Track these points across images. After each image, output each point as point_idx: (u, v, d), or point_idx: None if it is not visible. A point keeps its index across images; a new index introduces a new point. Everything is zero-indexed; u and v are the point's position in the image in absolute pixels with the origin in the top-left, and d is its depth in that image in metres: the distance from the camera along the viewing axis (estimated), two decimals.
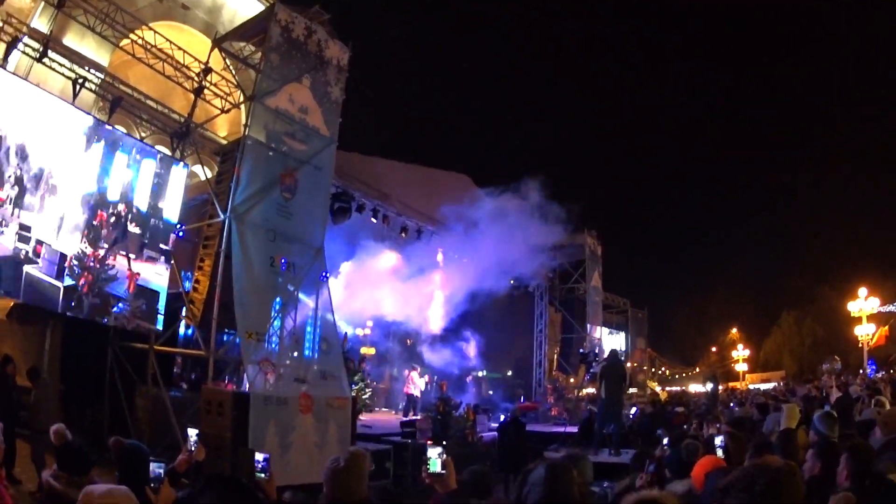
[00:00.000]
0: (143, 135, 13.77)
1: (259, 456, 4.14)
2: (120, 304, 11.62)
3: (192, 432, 4.66)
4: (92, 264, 11.20)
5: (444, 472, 3.20)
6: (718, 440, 5.26)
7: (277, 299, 11.77)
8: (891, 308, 37.18)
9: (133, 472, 3.92)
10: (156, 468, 3.83)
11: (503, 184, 19.01)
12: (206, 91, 12.90)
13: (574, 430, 17.34)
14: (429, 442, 3.45)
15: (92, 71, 13.15)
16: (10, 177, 10.19)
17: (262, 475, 4.05)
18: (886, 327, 37.06)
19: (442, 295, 19.67)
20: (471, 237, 18.27)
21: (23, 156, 10.35)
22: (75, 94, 11.75)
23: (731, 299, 59.79)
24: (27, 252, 10.26)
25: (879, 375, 25.12)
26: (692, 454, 5.36)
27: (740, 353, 53.65)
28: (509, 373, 27.67)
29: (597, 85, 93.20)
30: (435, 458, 3.22)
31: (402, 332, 22.95)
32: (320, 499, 3.65)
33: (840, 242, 57.54)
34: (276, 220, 11.90)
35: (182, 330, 13.49)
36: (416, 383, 20.86)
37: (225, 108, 13.37)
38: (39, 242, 10.42)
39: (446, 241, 18.89)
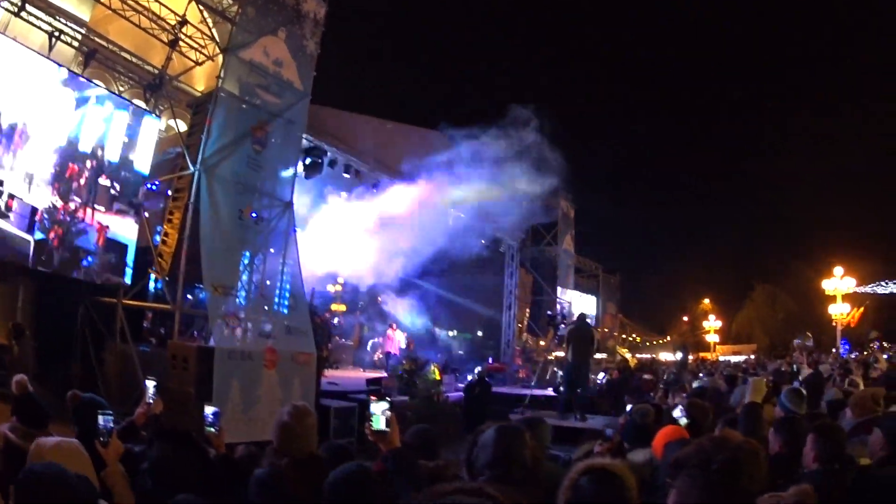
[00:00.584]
0: (120, 89, 13.61)
1: (209, 410, 4.08)
2: (89, 258, 11.45)
3: (150, 384, 4.59)
4: (62, 217, 11.01)
5: (387, 429, 3.09)
6: (677, 410, 5.23)
7: (246, 253, 11.69)
8: (867, 289, 37.49)
9: (90, 426, 3.83)
10: (105, 421, 3.70)
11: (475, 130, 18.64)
12: (181, 43, 12.66)
13: (539, 392, 17.40)
14: (373, 398, 3.28)
15: (71, 25, 12.86)
16: None
17: (212, 429, 4.01)
18: (862, 308, 37.39)
19: (412, 251, 19.52)
20: (443, 189, 18.17)
21: None
22: (51, 47, 11.51)
23: (705, 270, 60.37)
24: None
25: (853, 356, 25.36)
26: (645, 416, 5.26)
27: (712, 323, 54.13)
28: (479, 333, 27.54)
29: (567, 42, 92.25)
30: (378, 414, 3.10)
31: (373, 289, 22.72)
32: (267, 451, 3.62)
33: (816, 219, 58.41)
34: (245, 172, 11.79)
35: (152, 284, 13.37)
36: (396, 340, 20.83)
37: (199, 61, 13.14)
38: (11, 196, 10.20)
39: (417, 194, 18.70)
